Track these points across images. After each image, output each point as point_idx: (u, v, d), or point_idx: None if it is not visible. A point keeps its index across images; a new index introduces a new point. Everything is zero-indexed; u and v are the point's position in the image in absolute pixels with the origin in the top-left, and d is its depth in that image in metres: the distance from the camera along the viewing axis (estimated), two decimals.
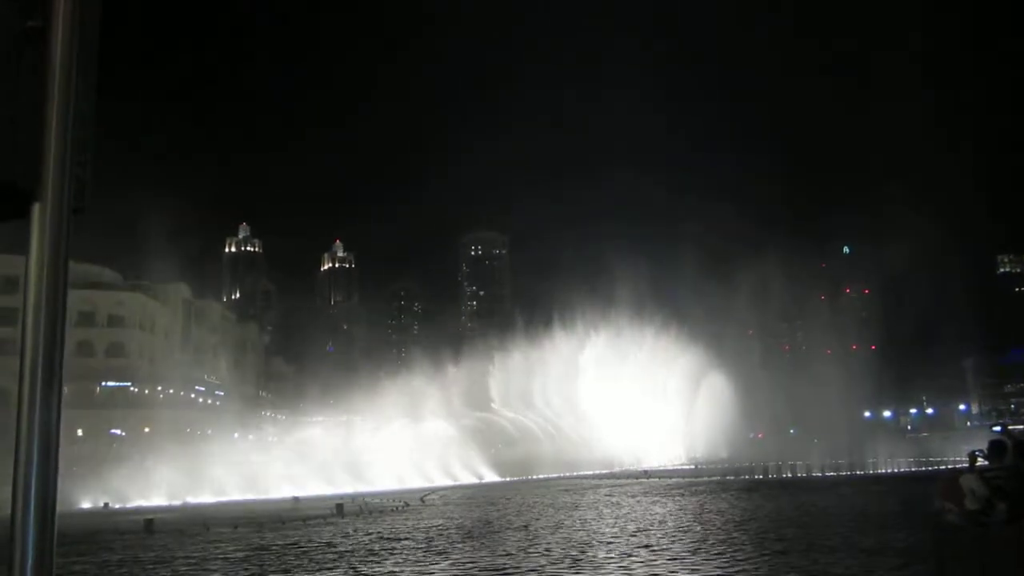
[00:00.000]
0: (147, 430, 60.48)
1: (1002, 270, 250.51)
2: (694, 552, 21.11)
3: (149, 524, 34.99)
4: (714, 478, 61.90)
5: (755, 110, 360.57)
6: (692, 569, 18.30)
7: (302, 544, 27.19)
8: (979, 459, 14.09)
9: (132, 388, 64.60)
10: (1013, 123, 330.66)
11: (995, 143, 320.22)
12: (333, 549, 25.51)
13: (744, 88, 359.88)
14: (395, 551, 24.47)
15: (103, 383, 58.81)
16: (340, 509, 41.04)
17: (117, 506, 51.18)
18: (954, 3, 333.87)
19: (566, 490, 53.83)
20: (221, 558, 24.43)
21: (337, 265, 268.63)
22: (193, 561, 24.01)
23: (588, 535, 26.07)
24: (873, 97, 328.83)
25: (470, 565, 20.39)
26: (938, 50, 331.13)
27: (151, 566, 23.45)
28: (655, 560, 19.80)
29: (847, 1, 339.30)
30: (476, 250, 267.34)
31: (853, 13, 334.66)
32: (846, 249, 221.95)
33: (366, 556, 23.48)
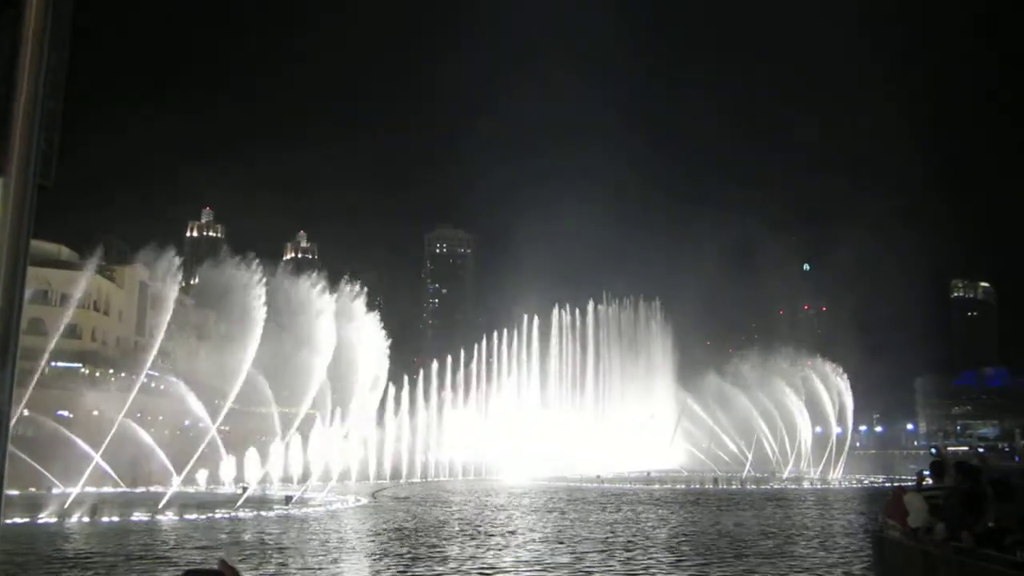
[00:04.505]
0: (95, 413, 59.25)
1: (956, 294, 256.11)
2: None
3: (94, 509, 34.49)
4: (665, 486, 62.60)
5: (716, 127, 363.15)
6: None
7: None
8: (926, 479, 14.43)
9: (83, 370, 63.33)
10: (971, 155, 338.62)
11: (954, 173, 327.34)
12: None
13: (707, 104, 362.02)
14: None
15: (53, 363, 57.56)
16: (288, 501, 40.78)
17: (57, 491, 50.05)
18: (914, 32, 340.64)
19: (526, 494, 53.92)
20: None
21: (300, 255, 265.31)
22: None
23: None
24: (838, 119, 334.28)
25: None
26: (901, 76, 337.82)
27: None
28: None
29: (789, 34, 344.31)
30: (441, 248, 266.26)
31: (805, 40, 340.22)
32: (806, 267, 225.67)
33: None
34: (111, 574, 19.51)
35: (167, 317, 48.46)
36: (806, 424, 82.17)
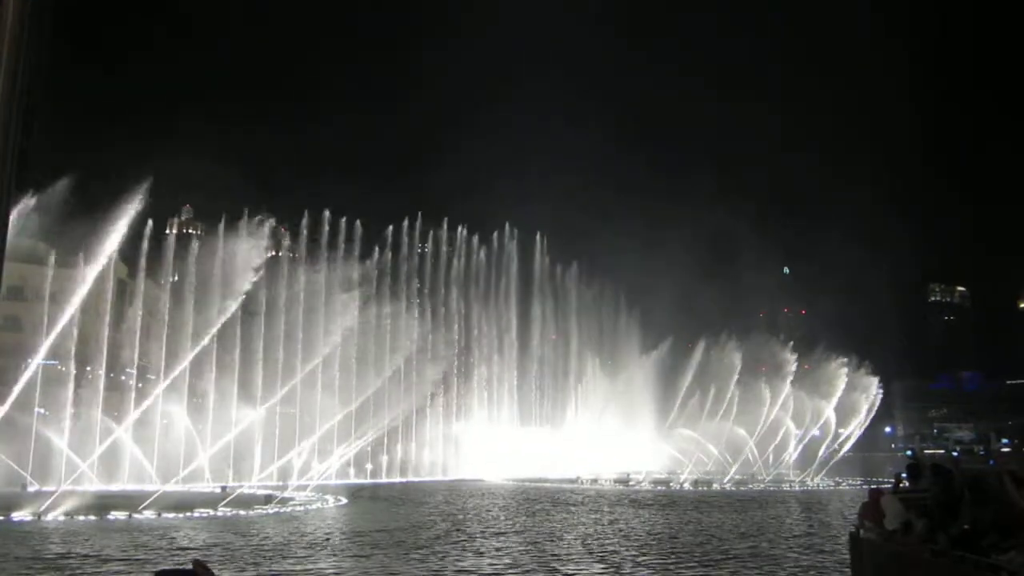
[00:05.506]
0: (71, 411, 58.72)
1: (932, 298, 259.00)
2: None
3: (72, 508, 34.23)
4: (645, 488, 62.84)
5: (696, 136, 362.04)
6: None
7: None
8: (903, 481, 14.58)
9: (60, 367, 62.61)
10: (948, 161, 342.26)
11: (932, 178, 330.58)
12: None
13: (687, 117, 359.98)
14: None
15: (29, 360, 56.96)
16: (269, 500, 40.67)
17: (33, 488, 49.57)
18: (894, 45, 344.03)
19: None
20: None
21: (281, 254, 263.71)
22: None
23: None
24: (814, 124, 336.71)
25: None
26: (878, 80, 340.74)
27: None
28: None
29: (773, 34, 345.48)
30: (423, 248, 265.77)
31: (789, 39, 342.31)
32: (786, 270, 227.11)
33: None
34: (83, 574, 19.31)
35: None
36: (803, 426, 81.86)
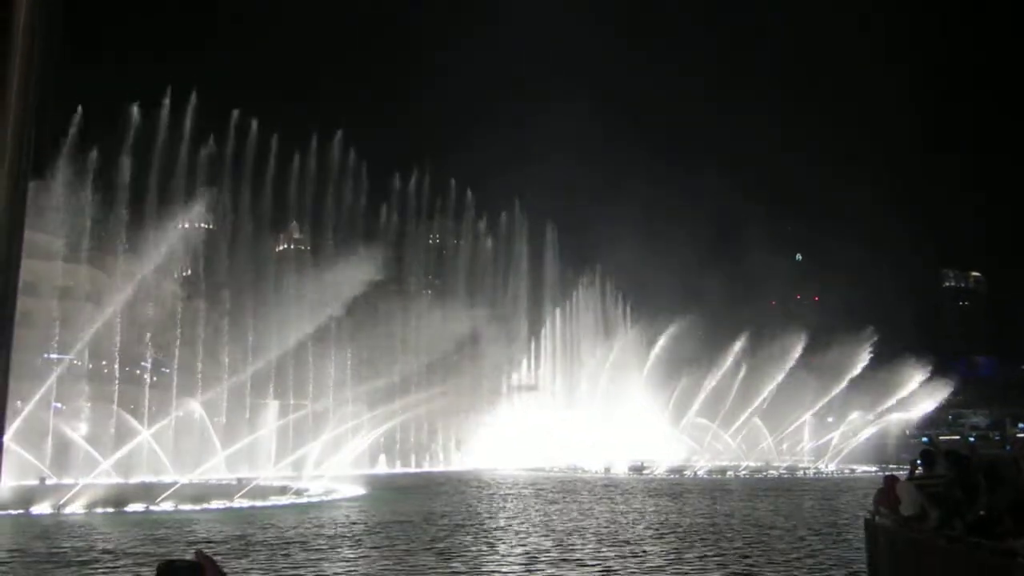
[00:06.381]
0: (88, 405, 59.23)
1: (947, 284, 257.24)
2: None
3: (90, 501, 34.55)
4: (657, 476, 62.85)
5: (705, 123, 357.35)
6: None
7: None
8: (918, 468, 14.52)
9: (75, 361, 63.07)
10: (964, 144, 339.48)
11: (946, 164, 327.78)
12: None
13: (696, 104, 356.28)
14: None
15: (45, 355, 57.40)
16: (284, 491, 41.05)
17: (51, 482, 50.02)
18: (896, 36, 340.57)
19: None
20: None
21: (292, 247, 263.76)
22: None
23: None
24: (824, 109, 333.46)
25: None
26: (886, 71, 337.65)
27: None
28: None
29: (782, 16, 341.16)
30: (434, 239, 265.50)
31: (799, 24, 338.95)
32: (798, 256, 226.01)
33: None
34: (92, 568, 19.45)
35: None
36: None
